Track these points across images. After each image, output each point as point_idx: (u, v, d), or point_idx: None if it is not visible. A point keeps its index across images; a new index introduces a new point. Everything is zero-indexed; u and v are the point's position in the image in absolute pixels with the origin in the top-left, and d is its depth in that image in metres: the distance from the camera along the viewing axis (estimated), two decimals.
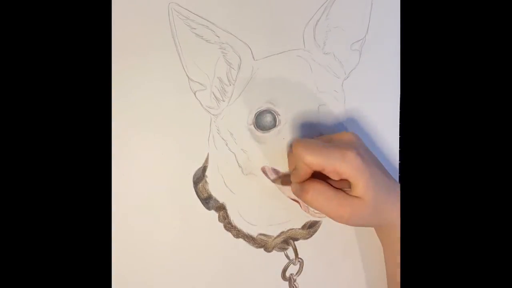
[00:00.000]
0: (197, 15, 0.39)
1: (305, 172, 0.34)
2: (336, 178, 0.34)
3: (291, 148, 0.38)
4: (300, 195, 0.36)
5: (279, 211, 0.42)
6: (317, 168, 0.34)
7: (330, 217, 0.35)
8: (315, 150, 0.33)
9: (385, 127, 0.43)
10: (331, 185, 0.35)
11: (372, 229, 0.40)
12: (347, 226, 0.42)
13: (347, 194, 0.34)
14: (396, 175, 0.43)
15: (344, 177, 0.33)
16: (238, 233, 0.41)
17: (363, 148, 0.36)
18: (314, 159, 0.33)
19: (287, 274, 0.42)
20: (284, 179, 0.41)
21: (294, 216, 0.42)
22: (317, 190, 0.34)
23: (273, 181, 0.41)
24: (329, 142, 0.36)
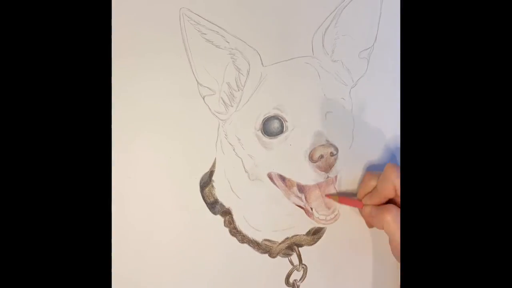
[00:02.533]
0: (207, 20, 0.39)
1: (386, 195, 0.37)
2: None
3: (368, 174, 0.40)
4: (377, 215, 0.37)
5: (284, 217, 0.42)
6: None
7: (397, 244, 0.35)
8: None
9: (392, 134, 0.43)
10: None
11: (376, 235, 0.40)
12: (350, 232, 0.43)
13: None
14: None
15: None
16: (243, 238, 0.41)
17: None
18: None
19: (291, 280, 0.42)
20: (289, 185, 0.41)
21: (299, 222, 0.42)
22: (397, 215, 0.36)
23: (279, 187, 0.41)
24: None
